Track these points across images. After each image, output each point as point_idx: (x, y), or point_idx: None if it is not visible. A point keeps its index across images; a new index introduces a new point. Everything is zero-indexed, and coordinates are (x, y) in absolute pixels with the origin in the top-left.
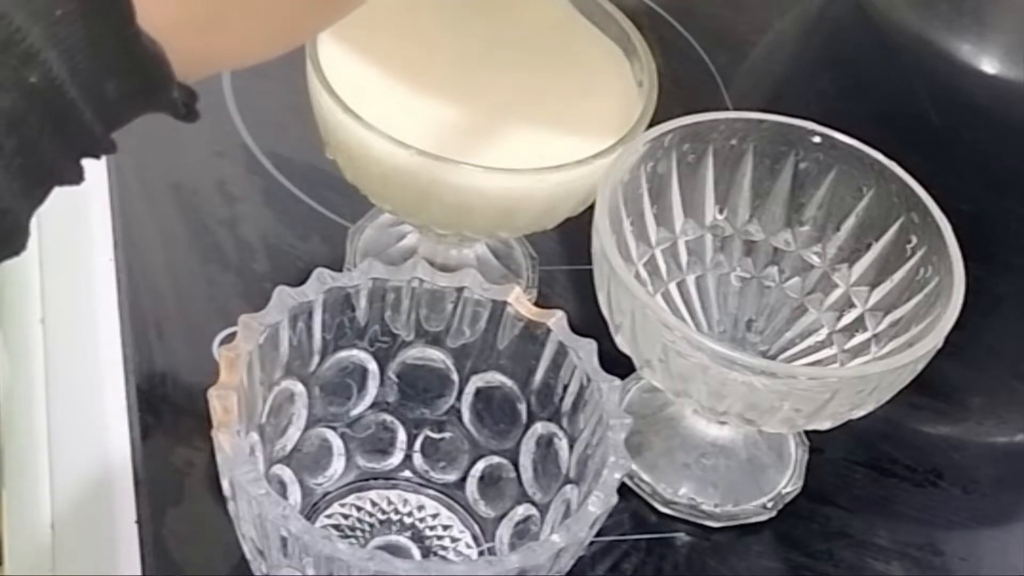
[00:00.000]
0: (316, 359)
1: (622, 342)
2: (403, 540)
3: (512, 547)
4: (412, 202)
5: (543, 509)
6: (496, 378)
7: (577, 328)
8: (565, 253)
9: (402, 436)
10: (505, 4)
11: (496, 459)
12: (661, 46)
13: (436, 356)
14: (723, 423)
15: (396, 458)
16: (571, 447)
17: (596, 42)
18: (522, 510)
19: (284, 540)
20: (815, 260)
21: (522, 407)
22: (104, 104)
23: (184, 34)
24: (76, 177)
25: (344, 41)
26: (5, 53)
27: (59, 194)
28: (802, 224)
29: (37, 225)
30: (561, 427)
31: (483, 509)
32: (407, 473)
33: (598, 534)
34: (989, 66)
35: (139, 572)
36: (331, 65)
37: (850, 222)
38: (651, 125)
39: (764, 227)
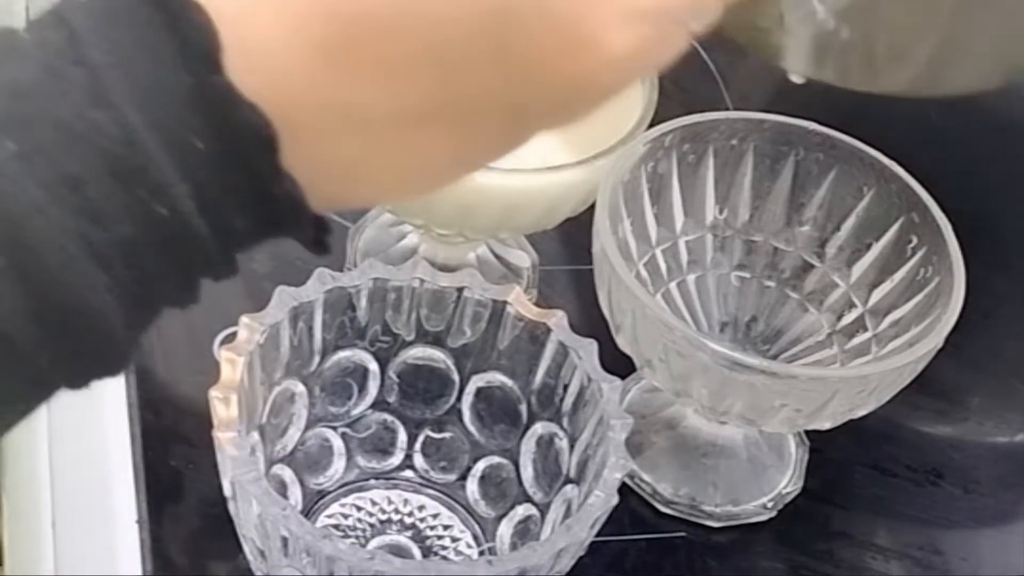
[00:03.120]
0: (317, 359)
1: (622, 342)
2: (403, 540)
3: (512, 547)
4: (412, 202)
5: (543, 509)
6: (497, 378)
7: (577, 328)
8: (565, 253)
9: (403, 436)
10: None
11: (496, 459)
12: None
13: (437, 356)
14: (723, 423)
15: (397, 458)
16: (571, 447)
17: None
18: (522, 510)
19: (285, 540)
20: (815, 260)
21: (523, 407)
22: (231, 237)
23: (327, 178)
24: (190, 300)
25: None
26: (136, 182)
27: None
28: (802, 224)
29: None
30: (562, 427)
31: (483, 509)
32: (408, 473)
33: (598, 534)
34: None
35: (139, 572)
36: None
37: (850, 222)
38: (651, 125)
39: (764, 227)
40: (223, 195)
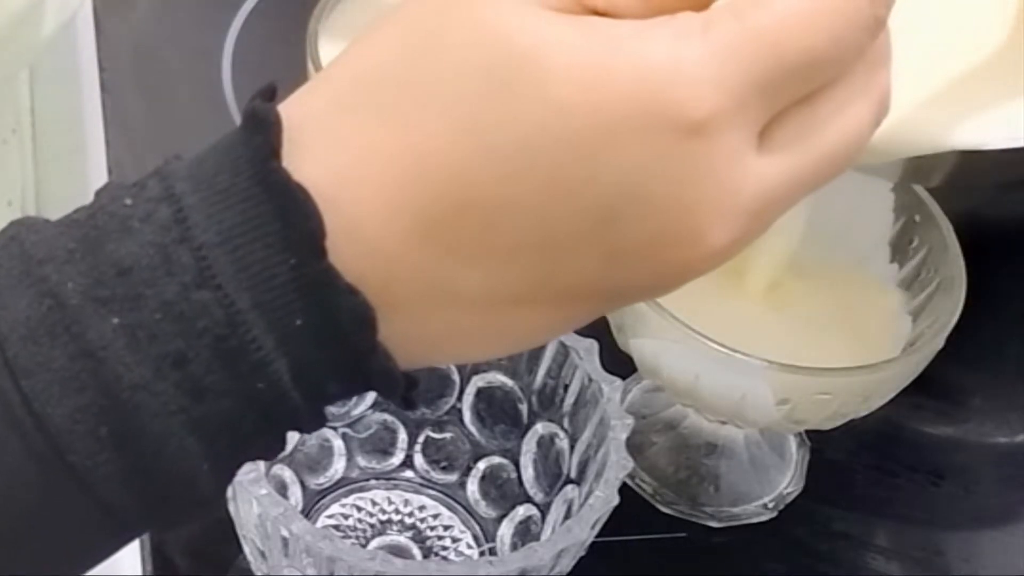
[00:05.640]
0: None
1: (623, 342)
2: (404, 540)
3: (513, 547)
4: None
5: (544, 509)
6: (497, 378)
7: (578, 328)
8: None
9: (403, 436)
10: None
11: (497, 459)
12: None
13: None
14: (724, 423)
15: (397, 458)
16: (572, 447)
17: None
18: (523, 510)
19: (285, 540)
20: None
21: (523, 407)
22: (323, 400)
23: (418, 347)
24: (279, 451)
25: (346, 40)
26: (237, 360)
27: (59, 194)
28: None
29: None
30: (562, 427)
31: (484, 509)
32: (408, 473)
33: (599, 534)
34: None
35: (139, 572)
36: None
37: None
38: None
39: None
40: (319, 367)
